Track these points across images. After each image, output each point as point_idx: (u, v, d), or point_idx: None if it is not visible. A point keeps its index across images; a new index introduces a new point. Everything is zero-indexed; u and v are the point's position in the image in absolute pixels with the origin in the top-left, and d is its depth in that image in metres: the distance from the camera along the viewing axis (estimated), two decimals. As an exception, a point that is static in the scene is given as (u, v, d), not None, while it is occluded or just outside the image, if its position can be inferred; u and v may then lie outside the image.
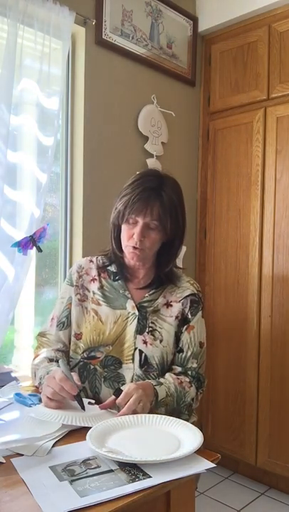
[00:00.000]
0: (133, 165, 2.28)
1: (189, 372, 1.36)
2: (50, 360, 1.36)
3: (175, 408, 1.27)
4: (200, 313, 1.41)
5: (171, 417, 1.12)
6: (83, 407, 1.17)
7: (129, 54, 2.26)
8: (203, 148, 2.71)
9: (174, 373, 1.34)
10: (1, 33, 1.74)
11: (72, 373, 1.23)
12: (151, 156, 2.37)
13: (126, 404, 1.14)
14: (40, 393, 1.28)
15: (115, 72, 2.21)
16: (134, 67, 2.30)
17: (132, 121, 2.31)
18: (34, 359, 1.42)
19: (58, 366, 1.27)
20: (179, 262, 1.52)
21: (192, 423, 1.17)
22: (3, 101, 1.67)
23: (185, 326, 1.38)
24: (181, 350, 1.38)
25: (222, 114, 2.61)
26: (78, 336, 1.40)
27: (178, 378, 1.31)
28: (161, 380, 1.29)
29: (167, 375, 1.32)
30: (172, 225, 1.33)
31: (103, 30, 2.12)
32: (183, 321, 1.39)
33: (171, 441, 1.01)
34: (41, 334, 1.47)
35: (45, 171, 1.83)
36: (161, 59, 2.43)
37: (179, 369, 1.36)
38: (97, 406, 1.22)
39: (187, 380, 1.33)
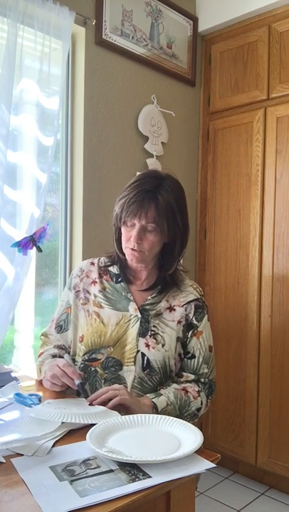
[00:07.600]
0: (133, 165, 2.28)
1: (202, 380, 1.37)
2: (54, 356, 1.39)
3: (178, 416, 1.27)
4: (206, 317, 1.42)
5: (171, 417, 1.12)
6: (86, 395, 1.24)
7: (129, 54, 2.26)
8: (203, 148, 2.71)
9: (187, 380, 1.35)
10: (1, 33, 1.74)
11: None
12: (151, 156, 2.37)
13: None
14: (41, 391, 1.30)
15: (115, 72, 2.21)
16: (134, 67, 2.30)
17: (132, 121, 2.31)
18: (39, 356, 1.45)
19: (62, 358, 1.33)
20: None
21: (192, 423, 1.17)
22: (3, 101, 1.67)
23: (192, 332, 1.39)
24: (192, 356, 1.38)
25: (222, 114, 2.61)
26: (81, 339, 1.41)
27: (183, 388, 1.32)
28: (161, 391, 1.30)
29: (173, 384, 1.34)
30: (170, 228, 1.31)
31: (103, 30, 2.12)
32: (187, 326, 1.39)
33: (171, 441, 1.01)
34: (44, 334, 1.52)
35: (45, 171, 1.83)
36: (161, 59, 2.43)
37: (191, 377, 1.37)
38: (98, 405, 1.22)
39: (196, 389, 1.33)
